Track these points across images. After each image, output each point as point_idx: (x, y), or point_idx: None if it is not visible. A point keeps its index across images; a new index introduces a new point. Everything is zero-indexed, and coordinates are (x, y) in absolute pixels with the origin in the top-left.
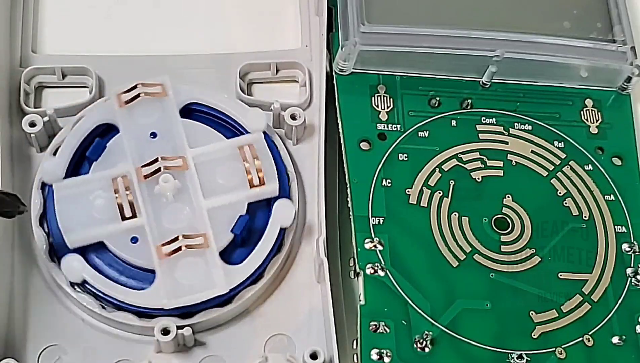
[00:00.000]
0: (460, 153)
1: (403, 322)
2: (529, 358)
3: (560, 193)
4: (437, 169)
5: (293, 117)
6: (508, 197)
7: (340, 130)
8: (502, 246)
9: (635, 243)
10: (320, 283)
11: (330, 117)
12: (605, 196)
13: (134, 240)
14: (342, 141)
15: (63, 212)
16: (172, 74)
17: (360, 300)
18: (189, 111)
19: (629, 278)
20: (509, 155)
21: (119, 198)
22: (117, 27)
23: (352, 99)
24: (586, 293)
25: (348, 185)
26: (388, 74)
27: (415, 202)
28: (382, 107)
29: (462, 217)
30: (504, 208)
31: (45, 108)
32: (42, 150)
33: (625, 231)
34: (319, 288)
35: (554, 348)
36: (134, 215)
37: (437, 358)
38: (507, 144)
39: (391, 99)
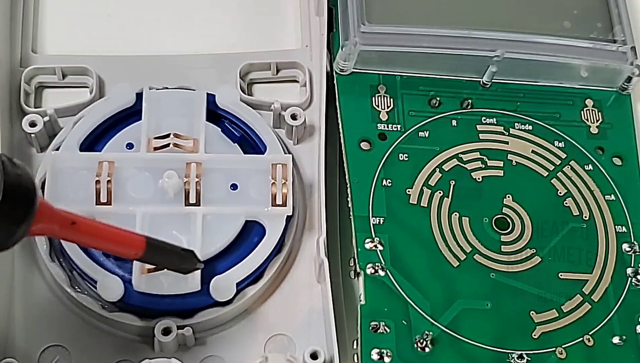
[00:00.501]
0: (461, 153)
1: (403, 322)
2: (529, 358)
3: (560, 193)
4: (438, 169)
5: (293, 117)
6: (508, 197)
7: (341, 130)
8: (502, 246)
9: (635, 243)
10: (320, 283)
11: (331, 117)
12: (606, 196)
13: None
14: (342, 141)
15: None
16: (172, 73)
17: (360, 300)
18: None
19: (629, 278)
20: (509, 155)
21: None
22: (117, 27)
23: (353, 99)
24: (586, 293)
25: (348, 185)
26: (388, 74)
27: (415, 202)
28: (383, 107)
29: (463, 217)
30: (504, 208)
31: (45, 108)
32: (42, 150)
33: (626, 231)
34: (319, 288)
35: (554, 348)
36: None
37: (437, 358)
38: (508, 143)
39: (391, 99)
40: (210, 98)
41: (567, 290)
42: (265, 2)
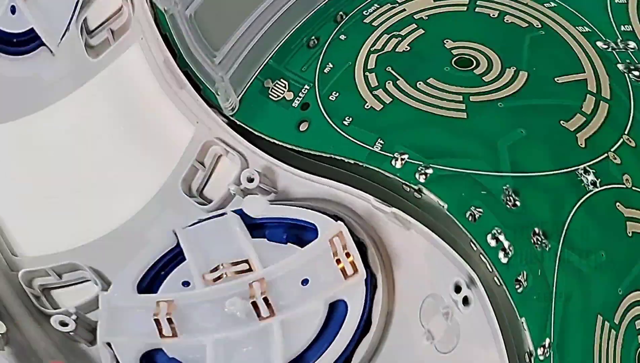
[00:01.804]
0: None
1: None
2: (594, 170)
3: (493, 15)
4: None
5: (250, 180)
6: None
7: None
8: (482, 77)
9: (609, 40)
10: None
11: None
12: (545, 4)
13: None
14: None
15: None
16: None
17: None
18: None
19: (625, 74)
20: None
21: None
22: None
23: (264, 119)
24: (594, 91)
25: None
26: (264, 67)
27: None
28: (284, 93)
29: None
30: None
31: (67, 307)
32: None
33: (590, 30)
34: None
35: (606, 154)
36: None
37: None
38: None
39: (283, 80)
40: (238, 212)
41: (575, 92)
42: None
